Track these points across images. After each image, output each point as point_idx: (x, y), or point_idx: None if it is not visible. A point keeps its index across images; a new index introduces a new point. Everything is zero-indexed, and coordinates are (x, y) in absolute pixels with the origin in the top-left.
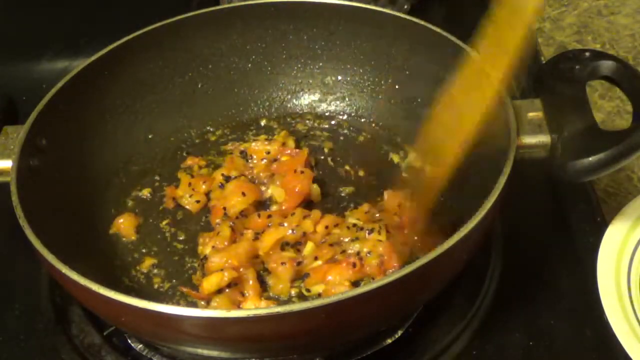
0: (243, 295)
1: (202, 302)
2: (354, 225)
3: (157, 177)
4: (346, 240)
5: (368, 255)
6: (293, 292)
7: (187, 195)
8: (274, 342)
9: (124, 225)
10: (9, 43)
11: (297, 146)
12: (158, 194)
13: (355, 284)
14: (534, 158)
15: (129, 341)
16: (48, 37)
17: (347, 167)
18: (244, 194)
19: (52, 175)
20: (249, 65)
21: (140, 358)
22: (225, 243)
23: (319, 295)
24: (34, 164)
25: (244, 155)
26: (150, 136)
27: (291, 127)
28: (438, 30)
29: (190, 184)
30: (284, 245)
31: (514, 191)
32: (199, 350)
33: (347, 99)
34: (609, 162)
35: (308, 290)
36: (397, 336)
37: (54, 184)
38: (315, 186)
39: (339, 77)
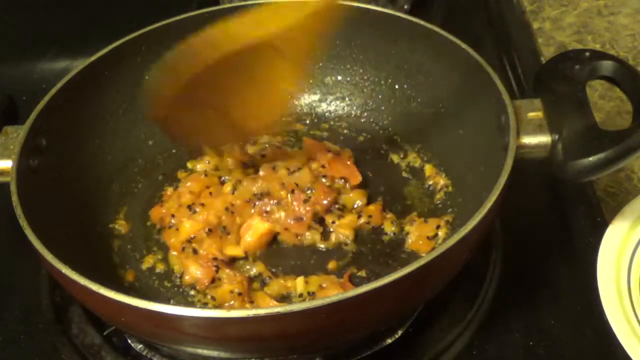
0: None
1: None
2: None
3: (158, 177)
4: None
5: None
6: (291, 289)
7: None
8: (273, 342)
9: (124, 225)
10: (9, 43)
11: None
12: (158, 194)
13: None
14: (534, 158)
15: (129, 341)
16: (48, 37)
17: None
18: None
19: (52, 175)
20: None
21: (140, 358)
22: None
23: (313, 295)
24: (34, 164)
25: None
26: (150, 136)
27: (291, 126)
28: (438, 30)
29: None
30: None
31: (514, 191)
32: (199, 350)
33: (347, 99)
34: (609, 162)
35: (301, 295)
36: (397, 336)
37: (54, 184)
38: None
39: (339, 77)
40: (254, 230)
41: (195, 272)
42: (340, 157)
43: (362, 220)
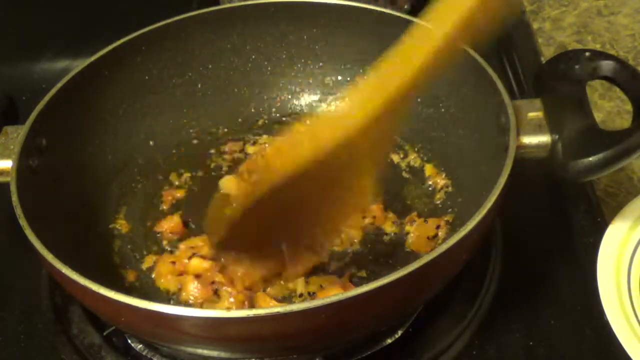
0: None
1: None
2: None
3: (158, 177)
4: None
5: None
6: (291, 289)
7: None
8: (274, 342)
9: (124, 225)
10: (9, 43)
11: None
12: (158, 194)
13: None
14: (534, 158)
15: (129, 341)
16: (48, 37)
17: None
18: None
19: (52, 175)
20: (249, 65)
21: (140, 358)
22: None
23: (313, 295)
24: (34, 164)
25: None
26: (150, 136)
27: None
28: None
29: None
30: None
31: (514, 191)
32: (199, 350)
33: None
34: (609, 162)
35: (301, 295)
36: (397, 336)
37: (54, 184)
38: None
39: (339, 77)
40: (304, 262)
41: (192, 290)
42: None
43: (366, 221)
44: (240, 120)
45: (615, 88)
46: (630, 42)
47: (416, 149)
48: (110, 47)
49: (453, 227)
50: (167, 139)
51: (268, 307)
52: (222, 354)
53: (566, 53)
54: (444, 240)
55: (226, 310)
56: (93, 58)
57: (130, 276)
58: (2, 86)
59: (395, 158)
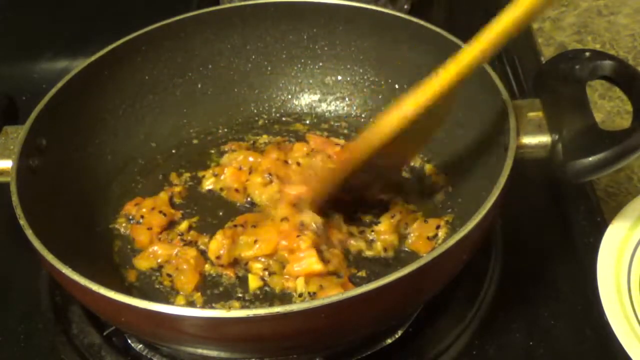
0: None
1: None
2: None
3: (158, 177)
4: None
5: None
6: (289, 288)
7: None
8: (274, 342)
9: (124, 225)
10: (9, 43)
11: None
12: (158, 194)
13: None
14: (534, 158)
15: (129, 341)
16: (48, 37)
17: None
18: None
19: (52, 176)
20: (249, 65)
21: (140, 358)
22: None
23: (313, 295)
24: (34, 164)
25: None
26: (150, 136)
27: (291, 127)
28: (438, 30)
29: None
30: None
31: (514, 191)
32: (199, 350)
33: (347, 99)
34: (609, 162)
35: (301, 295)
36: (397, 336)
37: (54, 184)
38: None
39: (339, 77)
40: (307, 266)
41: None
42: None
43: (395, 219)
44: (240, 120)
45: (615, 88)
46: (630, 42)
47: None
48: (110, 47)
49: (453, 227)
50: (167, 139)
51: (268, 307)
52: (222, 354)
53: (566, 53)
54: (444, 240)
55: (226, 310)
56: (93, 58)
57: (131, 276)
58: (2, 86)
59: None
